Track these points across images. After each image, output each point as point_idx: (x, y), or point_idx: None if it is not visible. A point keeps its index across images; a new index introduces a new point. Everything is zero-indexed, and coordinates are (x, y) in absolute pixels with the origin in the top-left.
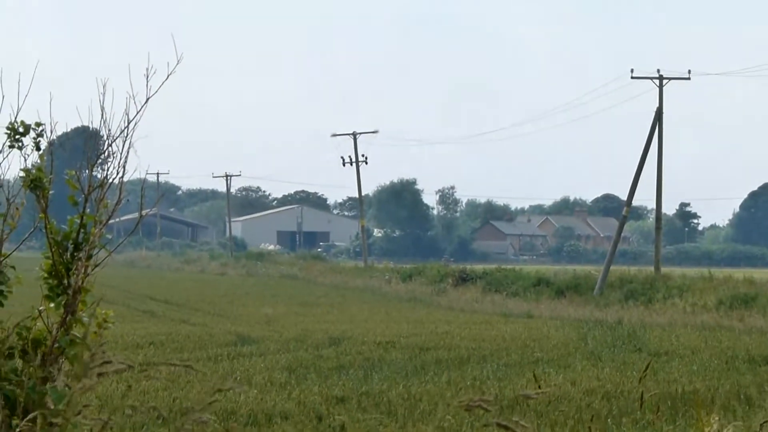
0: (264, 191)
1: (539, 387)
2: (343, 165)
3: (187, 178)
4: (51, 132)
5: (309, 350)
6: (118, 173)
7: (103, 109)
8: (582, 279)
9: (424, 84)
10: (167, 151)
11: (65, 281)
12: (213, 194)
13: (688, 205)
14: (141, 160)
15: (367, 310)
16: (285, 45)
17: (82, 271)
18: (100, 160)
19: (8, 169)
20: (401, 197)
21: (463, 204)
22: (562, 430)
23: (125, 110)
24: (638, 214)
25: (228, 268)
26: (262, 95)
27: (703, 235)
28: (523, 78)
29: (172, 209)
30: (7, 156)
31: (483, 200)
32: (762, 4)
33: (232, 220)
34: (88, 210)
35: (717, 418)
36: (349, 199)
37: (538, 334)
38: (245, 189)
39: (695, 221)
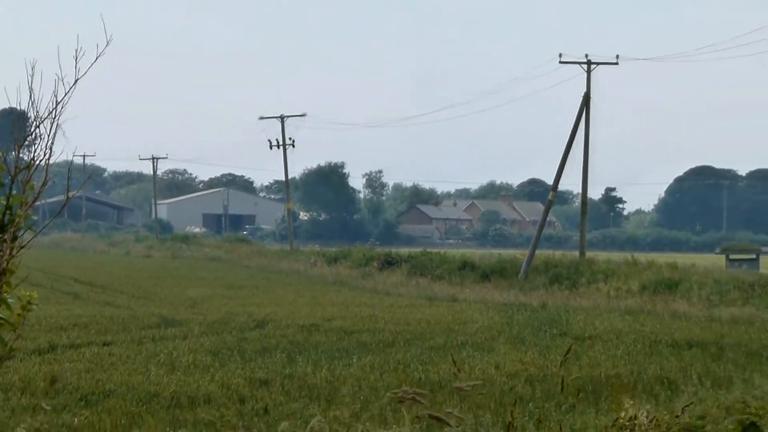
0: (190, 174)
1: (458, 371)
2: (270, 148)
3: (113, 161)
4: None
5: (233, 333)
6: (45, 155)
7: (31, 90)
8: (507, 263)
9: (353, 67)
10: (94, 133)
11: None
12: (139, 177)
13: (613, 189)
14: (68, 142)
15: (293, 293)
16: (211, 28)
17: (7, 252)
18: (27, 142)
19: None
20: (328, 180)
21: (390, 188)
22: (485, 414)
23: (54, 92)
24: (564, 198)
25: (153, 250)
26: (189, 78)
27: (628, 220)
28: (452, 63)
29: (98, 191)
30: None
31: (409, 184)
32: None
33: (158, 202)
34: (14, 191)
35: (631, 402)
36: (276, 182)
37: (463, 318)
38: (172, 172)
39: (621, 206)
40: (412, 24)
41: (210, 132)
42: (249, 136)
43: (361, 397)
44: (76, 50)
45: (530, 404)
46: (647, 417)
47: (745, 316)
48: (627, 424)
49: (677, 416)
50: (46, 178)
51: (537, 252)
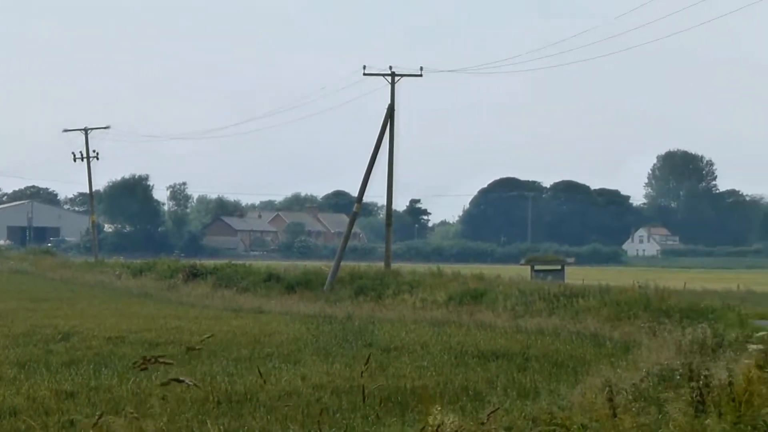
0: None
1: (264, 383)
2: (75, 161)
3: None
4: None
5: (39, 345)
6: None
7: None
8: (312, 275)
9: (159, 78)
10: None
11: None
12: None
13: (418, 201)
14: None
15: (98, 306)
16: (15, 36)
17: None
18: None
19: None
20: (133, 193)
21: (195, 200)
22: (293, 426)
23: None
24: (369, 210)
25: None
26: None
27: (433, 232)
28: (259, 74)
29: None
30: None
31: (214, 196)
32: (487, 5)
33: None
34: None
35: (439, 408)
36: (80, 194)
37: (269, 330)
38: None
39: (426, 217)
40: (220, 34)
41: (13, 144)
42: (53, 148)
43: (168, 409)
44: None
45: (337, 415)
46: (453, 426)
47: (551, 327)
48: None
49: (482, 423)
50: None
51: (342, 263)
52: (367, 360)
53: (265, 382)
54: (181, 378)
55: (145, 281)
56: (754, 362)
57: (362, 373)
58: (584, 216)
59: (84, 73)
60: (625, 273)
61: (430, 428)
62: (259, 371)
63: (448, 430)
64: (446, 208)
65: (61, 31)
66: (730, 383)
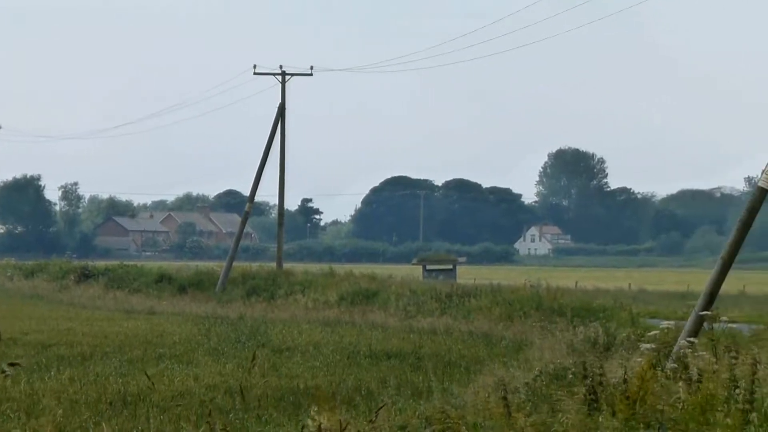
0: None
1: (153, 385)
2: None
3: None
4: None
5: None
6: None
7: None
8: (204, 275)
9: (50, 77)
10: None
11: None
12: None
13: (310, 201)
14: None
15: None
16: None
17: None
18: None
19: None
20: (24, 193)
21: (86, 200)
22: (186, 426)
23: None
24: (261, 209)
25: None
26: None
27: (325, 231)
28: (149, 72)
29: None
30: None
31: (106, 196)
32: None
33: None
34: None
35: (316, 409)
36: None
37: (161, 330)
38: None
39: (318, 217)
40: (111, 33)
41: None
42: None
43: (61, 410)
44: None
45: (230, 415)
46: (340, 425)
47: (443, 327)
48: None
49: (371, 421)
50: None
51: (234, 264)
52: (253, 358)
53: (153, 384)
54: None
55: (37, 282)
56: (647, 361)
57: (249, 370)
58: (476, 215)
59: None
60: (516, 272)
61: (309, 429)
62: (146, 374)
63: (330, 427)
64: (339, 208)
65: None
66: (624, 381)
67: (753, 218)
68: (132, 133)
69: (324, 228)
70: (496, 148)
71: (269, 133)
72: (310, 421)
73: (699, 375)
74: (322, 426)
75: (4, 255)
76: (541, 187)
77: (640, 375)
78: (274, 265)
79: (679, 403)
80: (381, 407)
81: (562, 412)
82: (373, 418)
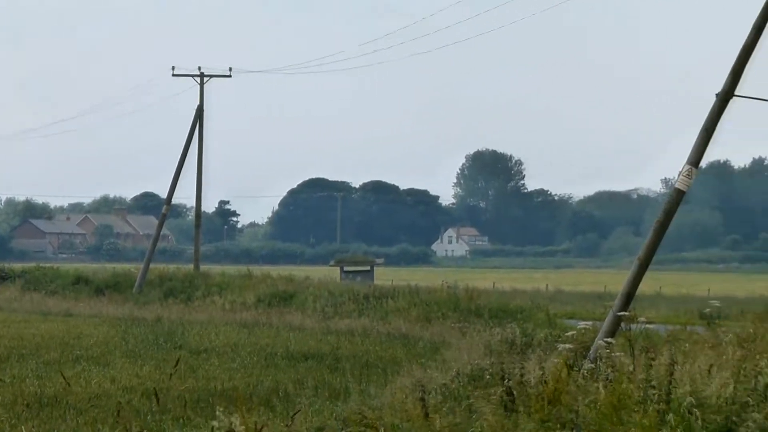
0: None
1: (69, 386)
2: None
3: None
4: None
5: None
6: None
7: None
8: (122, 277)
9: None
10: None
11: None
12: None
13: (227, 203)
14: None
15: None
16: None
17: None
18: None
19: None
20: None
21: (2, 202)
22: (103, 428)
23: None
24: (178, 211)
25: None
26: None
27: (242, 233)
28: (68, 74)
29: None
30: None
31: (22, 198)
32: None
33: None
34: None
35: (222, 410)
36: None
37: (78, 332)
38: None
39: (235, 219)
40: (27, 34)
41: None
42: None
43: None
44: None
45: (148, 417)
46: (255, 426)
47: (361, 328)
48: None
49: (288, 425)
50: None
51: (151, 266)
52: (177, 362)
53: (69, 385)
54: None
55: None
56: (563, 361)
57: (171, 374)
58: (393, 216)
59: None
60: (434, 273)
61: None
62: (63, 376)
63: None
64: (258, 210)
65: None
66: (542, 382)
67: (670, 220)
68: (49, 135)
69: (241, 230)
70: (417, 150)
71: (187, 134)
72: (216, 423)
73: (615, 375)
74: (233, 427)
75: None
76: (458, 189)
77: (555, 375)
78: (191, 267)
79: (595, 403)
80: (297, 411)
81: (479, 413)
82: (290, 423)
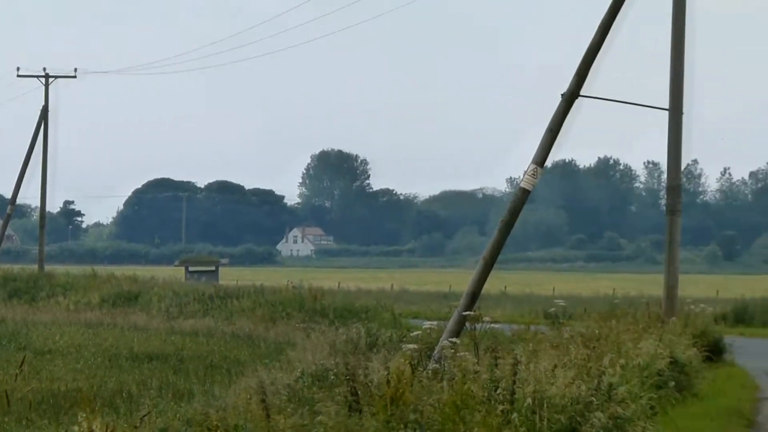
0: None
1: None
2: None
3: None
4: None
5: None
6: None
7: None
8: None
9: None
10: None
11: None
12: None
13: (72, 203)
14: None
15: None
16: None
17: None
18: None
19: None
20: None
21: None
22: None
23: None
24: (23, 211)
25: None
26: None
27: (87, 233)
28: None
29: None
30: None
31: None
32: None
33: None
34: None
35: (84, 415)
36: None
37: None
38: None
39: (80, 219)
40: None
41: None
42: None
43: None
44: None
45: None
46: (107, 429)
47: (205, 328)
48: None
49: (136, 427)
50: None
51: None
52: (22, 362)
53: None
54: None
55: None
56: (407, 361)
57: (16, 375)
58: (238, 216)
59: None
60: (279, 273)
61: None
62: None
63: None
64: (104, 210)
65: None
66: (386, 382)
67: (515, 219)
68: None
69: (86, 230)
70: (264, 150)
71: (32, 135)
72: (77, 428)
73: (460, 375)
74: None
75: None
76: (304, 189)
77: (398, 375)
78: (35, 267)
79: (439, 403)
80: (146, 414)
81: (323, 414)
82: (138, 425)
